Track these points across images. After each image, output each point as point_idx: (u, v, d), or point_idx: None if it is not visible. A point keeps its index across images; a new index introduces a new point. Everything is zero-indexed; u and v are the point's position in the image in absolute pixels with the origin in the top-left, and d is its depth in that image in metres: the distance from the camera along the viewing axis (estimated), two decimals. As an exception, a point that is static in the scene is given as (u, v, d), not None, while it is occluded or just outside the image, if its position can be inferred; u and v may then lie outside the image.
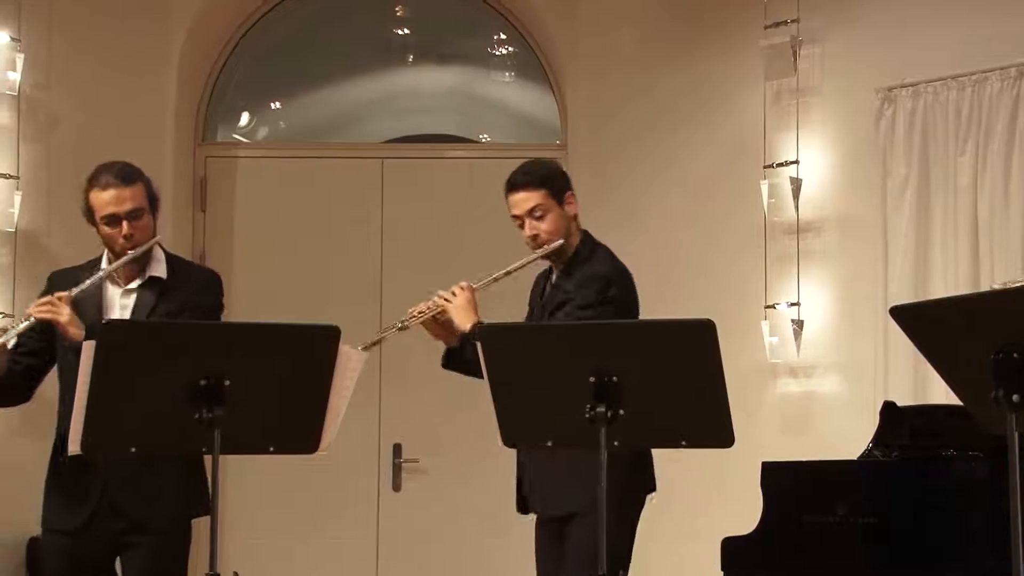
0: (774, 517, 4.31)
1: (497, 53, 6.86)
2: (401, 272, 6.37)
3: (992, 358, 2.80)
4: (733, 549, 4.37)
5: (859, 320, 5.57)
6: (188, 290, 3.98)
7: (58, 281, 4.01)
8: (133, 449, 3.34)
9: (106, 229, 3.91)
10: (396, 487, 6.37)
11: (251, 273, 6.32)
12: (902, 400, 4.70)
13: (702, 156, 6.08)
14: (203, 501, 3.89)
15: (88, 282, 3.86)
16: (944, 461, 4.17)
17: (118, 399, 3.21)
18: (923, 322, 2.99)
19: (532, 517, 4.16)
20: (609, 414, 3.21)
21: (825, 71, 5.75)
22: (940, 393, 4.13)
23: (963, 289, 5.09)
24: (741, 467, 4.36)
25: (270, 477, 6.10)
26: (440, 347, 4.22)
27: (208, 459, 3.29)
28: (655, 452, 4.09)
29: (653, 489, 4.12)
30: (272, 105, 6.95)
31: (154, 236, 3.96)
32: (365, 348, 3.70)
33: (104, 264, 3.98)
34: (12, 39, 5.91)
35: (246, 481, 6.07)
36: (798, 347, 5.69)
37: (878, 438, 4.35)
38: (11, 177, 5.88)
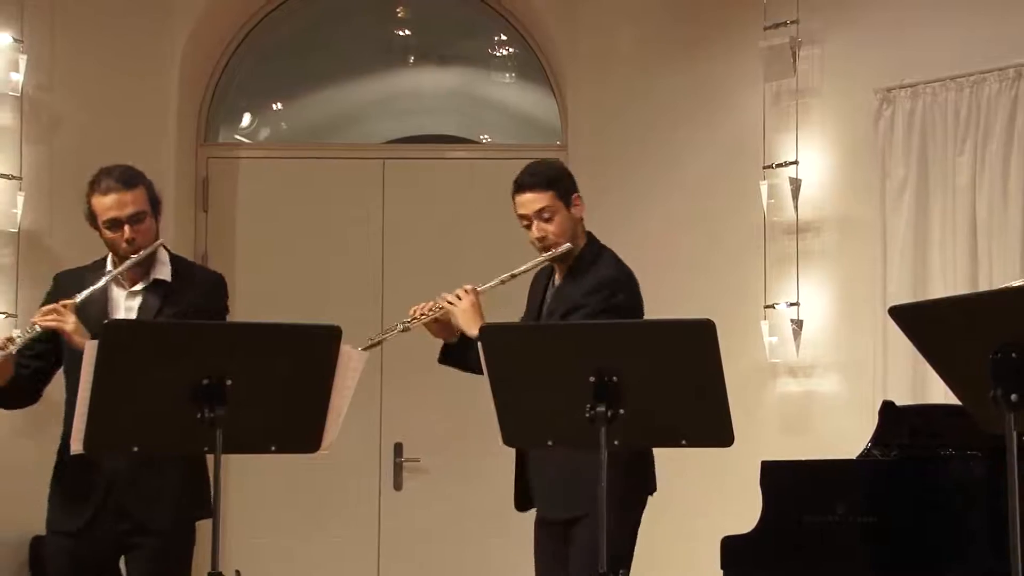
0: (773, 516, 4.31)
1: (498, 54, 6.87)
2: (402, 272, 6.38)
3: (990, 358, 2.81)
4: (732, 548, 4.38)
5: (858, 320, 5.57)
6: (193, 293, 3.99)
7: (64, 282, 4.03)
8: (135, 448, 3.36)
9: (108, 233, 3.92)
10: (397, 486, 6.39)
11: (252, 273, 6.33)
12: (901, 400, 4.70)
13: (702, 157, 6.09)
14: (206, 503, 3.89)
15: (92, 288, 3.87)
16: (943, 460, 4.17)
17: (120, 399, 3.23)
18: (922, 322, 3.00)
19: (532, 516, 4.17)
20: (609, 414, 3.21)
21: (824, 72, 5.76)
22: (939, 393, 4.15)
23: (962, 289, 5.09)
24: (741, 466, 4.36)
25: (272, 477, 6.11)
26: (440, 344, 4.22)
27: (210, 459, 3.30)
28: (656, 453, 4.10)
29: (654, 491, 4.11)
30: (274, 106, 6.96)
31: (157, 239, 3.97)
32: (366, 348, 3.71)
33: (109, 265, 3.99)
34: (15, 40, 5.91)
35: (248, 481, 6.08)
36: (797, 347, 5.70)
37: (877, 437, 4.35)
38: (14, 178, 5.89)
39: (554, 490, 4.01)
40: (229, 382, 3.21)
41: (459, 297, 4.07)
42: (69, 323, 3.79)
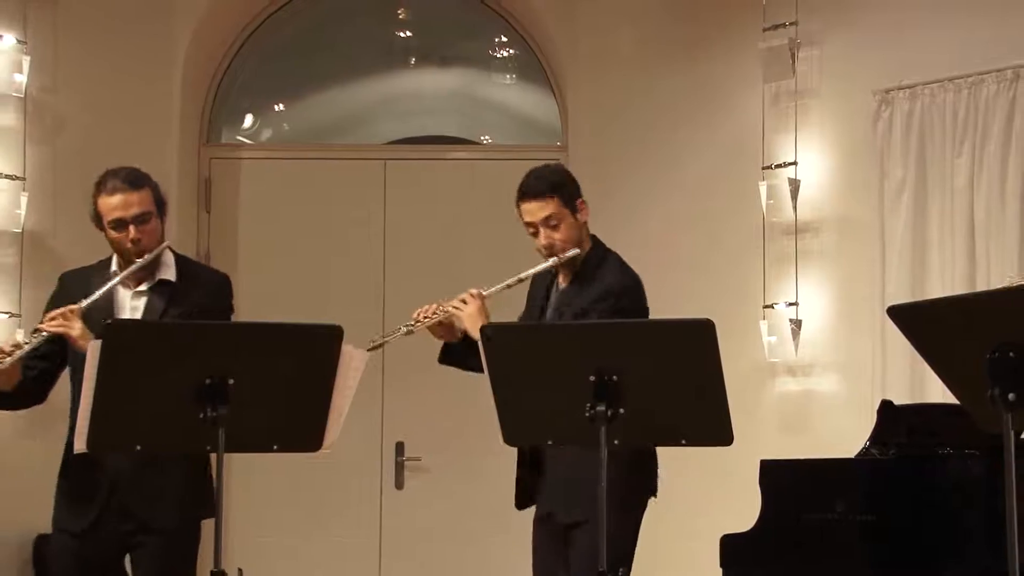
0: (772, 515, 4.33)
1: (498, 55, 6.89)
2: (403, 272, 6.40)
3: (988, 357, 2.83)
4: (732, 546, 4.39)
5: (857, 320, 5.59)
6: (198, 293, 4.01)
7: (69, 282, 4.06)
8: (138, 448, 3.38)
9: (114, 234, 3.94)
10: (399, 485, 6.40)
11: (255, 273, 6.34)
12: (899, 399, 4.72)
13: (701, 157, 6.11)
14: (209, 502, 3.90)
15: (97, 293, 3.88)
16: (941, 459, 4.18)
17: (123, 398, 3.24)
18: (920, 322, 3.02)
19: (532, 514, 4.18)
20: (609, 413, 3.23)
21: (823, 73, 5.78)
22: (937, 392, 4.17)
23: (960, 289, 5.10)
24: (740, 465, 4.38)
25: (274, 476, 6.12)
26: (440, 343, 4.21)
27: (213, 458, 3.32)
28: (657, 454, 4.11)
29: (655, 493, 4.10)
30: (276, 107, 6.98)
31: (162, 240, 3.99)
32: (370, 350, 3.72)
33: (114, 266, 4.01)
34: (18, 42, 5.93)
35: (250, 480, 6.09)
36: (796, 346, 5.72)
37: (875, 436, 4.36)
38: (17, 178, 5.90)
39: (560, 488, 3.99)
40: (231, 381, 3.23)
41: (465, 302, 4.06)
42: (75, 328, 3.81)
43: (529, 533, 4.18)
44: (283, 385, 3.34)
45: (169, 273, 4.02)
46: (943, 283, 5.27)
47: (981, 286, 5.11)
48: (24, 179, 5.92)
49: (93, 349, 3.26)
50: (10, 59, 5.91)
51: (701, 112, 6.14)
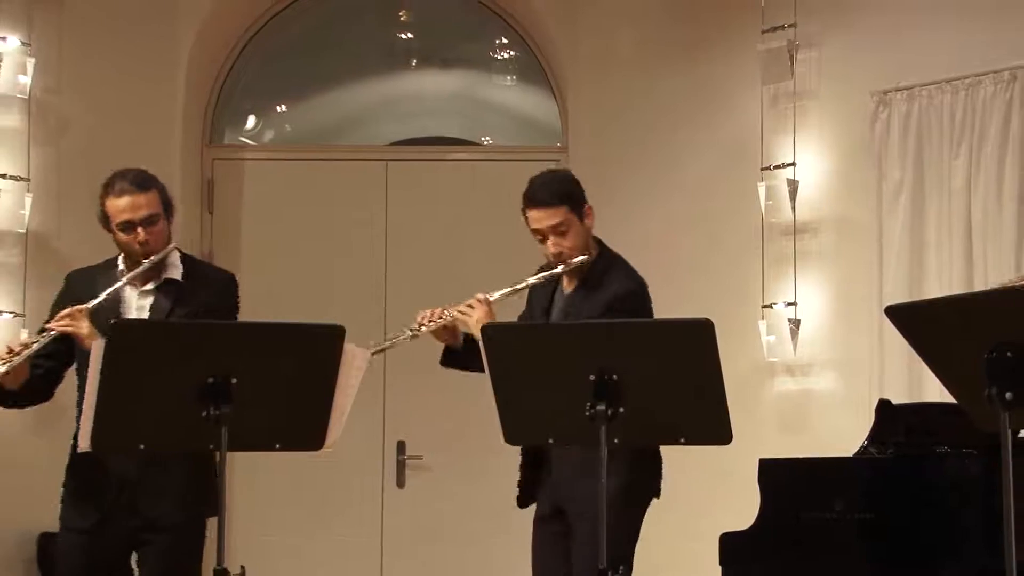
0: (771, 513, 4.33)
1: (499, 57, 6.91)
2: (405, 272, 6.42)
3: (985, 357, 2.85)
4: (731, 545, 4.39)
5: (855, 319, 5.60)
6: (205, 293, 4.03)
7: (75, 281, 4.08)
8: (142, 446, 3.39)
9: (122, 235, 3.96)
10: (400, 484, 6.42)
11: (257, 274, 6.34)
12: (897, 398, 4.72)
13: (701, 158, 6.13)
14: (214, 501, 3.92)
15: (104, 294, 3.90)
16: (938, 458, 4.18)
17: (127, 397, 3.26)
18: (917, 321, 3.03)
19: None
20: (609, 412, 3.25)
21: (821, 75, 5.79)
22: (935, 391, 4.19)
23: (957, 290, 5.10)
24: (739, 464, 4.39)
25: (276, 475, 6.14)
26: (441, 344, 4.23)
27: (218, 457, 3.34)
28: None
29: (658, 494, 4.10)
30: (278, 108, 7.00)
31: (169, 242, 4.01)
32: (374, 354, 3.74)
33: (120, 266, 4.03)
34: (23, 43, 5.94)
35: (253, 479, 6.10)
36: (795, 346, 5.73)
37: (874, 435, 4.36)
38: (22, 179, 5.91)
39: (567, 486, 3.99)
40: (234, 381, 3.25)
41: (471, 307, 4.05)
42: (83, 328, 3.84)
43: (530, 532, 4.19)
44: (285, 384, 3.35)
45: (176, 272, 4.04)
46: (940, 283, 5.27)
47: (978, 286, 5.11)
48: (28, 180, 5.93)
49: (97, 348, 3.29)
50: (14, 61, 5.92)
51: (700, 113, 6.15)
